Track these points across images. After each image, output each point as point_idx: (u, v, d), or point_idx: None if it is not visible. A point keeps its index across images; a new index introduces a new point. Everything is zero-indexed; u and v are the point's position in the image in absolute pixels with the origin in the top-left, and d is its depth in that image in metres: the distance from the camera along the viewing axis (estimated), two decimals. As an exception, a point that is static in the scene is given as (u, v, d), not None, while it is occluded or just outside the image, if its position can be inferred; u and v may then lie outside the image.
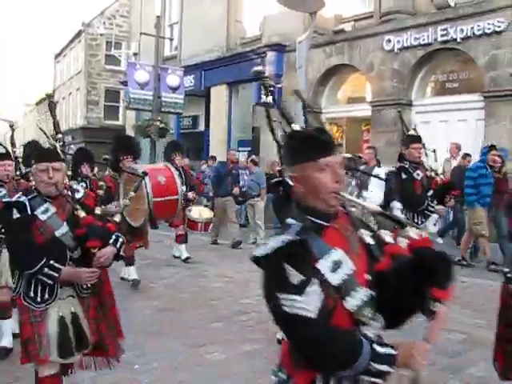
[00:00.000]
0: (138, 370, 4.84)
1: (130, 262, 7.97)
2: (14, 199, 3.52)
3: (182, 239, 10.10)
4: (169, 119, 20.45)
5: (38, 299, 3.39)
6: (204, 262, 10.01)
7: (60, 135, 4.41)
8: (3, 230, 4.78)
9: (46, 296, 3.40)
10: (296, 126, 2.21)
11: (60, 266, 3.34)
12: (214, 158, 16.54)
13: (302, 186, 2.04)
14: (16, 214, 3.39)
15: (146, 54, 21.88)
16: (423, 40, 13.06)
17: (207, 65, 19.46)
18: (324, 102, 16.21)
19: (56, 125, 4.55)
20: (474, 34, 12.10)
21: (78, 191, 4.08)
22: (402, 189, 6.23)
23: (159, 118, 18.31)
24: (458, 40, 12.41)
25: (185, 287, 8.02)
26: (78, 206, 3.52)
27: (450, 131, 12.73)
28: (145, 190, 7.35)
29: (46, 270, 3.30)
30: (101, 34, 29.05)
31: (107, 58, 31.76)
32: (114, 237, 3.60)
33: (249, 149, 18.11)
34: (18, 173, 5.73)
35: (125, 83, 22.81)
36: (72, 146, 34.74)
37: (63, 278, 3.37)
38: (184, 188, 8.88)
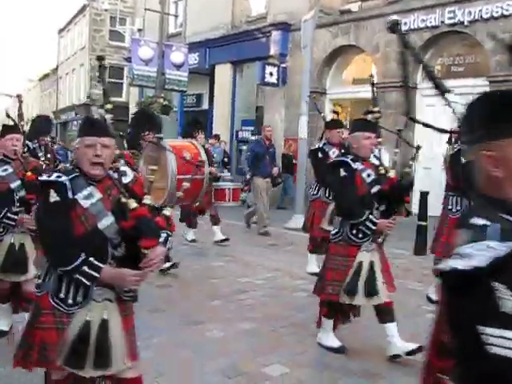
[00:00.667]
0: (138, 346, 4.87)
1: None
2: (52, 178, 2.88)
3: (215, 219, 9.74)
4: (172, 97, 20.37)
5: (70, 301, 2.88)
6: (207, 241, 10.00)
7: (109, 106, 3.63)
8: (27, 215, 4.60)
9: (80, 298, 2.89)
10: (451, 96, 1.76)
11: (101, 265, 2.84)
12: (217, 136, 16.51)
13: (502, 168, 1.50)
14: (54, 197, 2.83)
15: (150, 31, 21.72)
16: (430, 22, 12.94)
17: (212, 42, 19.33)
18: (329, 82, 16.11)
19: (106, 93, 3.80)
20: (481, 17, 11.98)
21: (125, 174, 3.62)
22: None
23: (163, 95, 18.25)
24: (466, 23, 12.29)
25: (186, 265, 8.05)
26: (126, 193, 2.93)
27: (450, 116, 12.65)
28: (169, 167, 6.59)
29: (85, 267, 2.79)
30: (105, 10, 28.77)
31: (111, 34, 31.59)
32: (164, 235, 3.05)
33: (252, 128, 18.09)
34: (25, 149, 5.29)
35: (129, 59, 22.71)
36: (75, 122, 34.82)
37: (103, 279, 2.85)
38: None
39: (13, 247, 4.68)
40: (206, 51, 19.63)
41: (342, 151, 6.07)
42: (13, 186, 4.63)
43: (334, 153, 7.07)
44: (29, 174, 4.52)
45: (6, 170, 4.68)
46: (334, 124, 7.80)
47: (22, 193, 4.63)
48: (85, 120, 3.17)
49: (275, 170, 11.49)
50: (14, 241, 4.69)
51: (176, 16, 22.06)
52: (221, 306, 6.17)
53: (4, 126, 4.93)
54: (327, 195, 7.10)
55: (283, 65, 16.52)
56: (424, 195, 9.75)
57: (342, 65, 16.04)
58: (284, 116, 16.61)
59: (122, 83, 31.37)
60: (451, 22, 12.56)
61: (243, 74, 19.13)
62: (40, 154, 8.84)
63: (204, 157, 7.09)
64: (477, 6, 12.03)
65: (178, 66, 18.32)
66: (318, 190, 7.40)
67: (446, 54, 13.78)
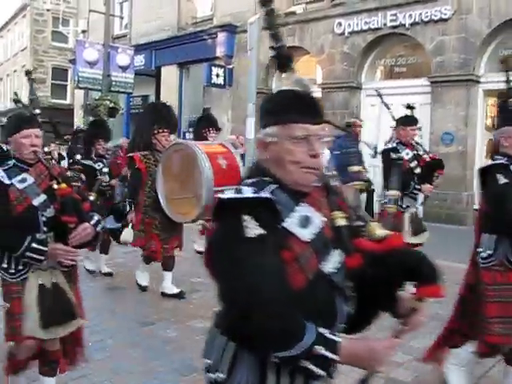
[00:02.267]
0: (92, 347, 4.86)
1: (167, 268, 6.71)
2: None
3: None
4: (118, 98, 20.18)
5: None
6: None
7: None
8: None
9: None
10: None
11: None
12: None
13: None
14: None
15: (94, 32, 21.47)
16: (373, 24, 13.28)
17: (158, 44, 19.26)
18: (274, 83, 16.28)
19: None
20: (421, 20, 12.39)
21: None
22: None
23: (109, 98, 18.05)
24: (407, 26, 12.69)
25: (137, 266, 8.02)
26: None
27: (397, 114, 12.97)
28: (204, 175, 5.28)
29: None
30: (47, 10, 28.27)
31: (54, 35, 31.01)
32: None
33: (200, 129, 18.10)
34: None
35: (73, 61, 22.36)
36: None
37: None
38: None
39: (46, 291, 3.35)
40: (152, 53, 19.55)
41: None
42: (36, 202, 3.32)
43: (407, 154, 6.19)
44: (62, 185, 3.31)
45: (23, 180, 3.32)
46: (408, 121, 6.56)
47: (50, 211, 3.35)
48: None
49: None
50: (44, 281, 3.36)
51: (121, 17, 21.85)
52: (173, 307, 6.21)
53: (17, 116, 3.64)
54: (400, 203, 6.14)
55: (229, 66, 16.63)
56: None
57: (287, 66, 16.22)
58: (231, 117, 16.72)
59: (65, 85, 30.85)
60: (393, 24, 12.93)
61: (190, 75, 19.13)
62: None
63: (240, 163, 5.84)
64: (417, 10, 12.44)
65: (124, 68, 18.18)
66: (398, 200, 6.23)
67: (388, 55, 14.17)
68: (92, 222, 3.36)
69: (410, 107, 7.10)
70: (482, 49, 11.90)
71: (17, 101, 4.94)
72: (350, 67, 13.91)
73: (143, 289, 6.79)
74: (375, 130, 12.53)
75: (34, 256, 3.22)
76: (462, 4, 11.86)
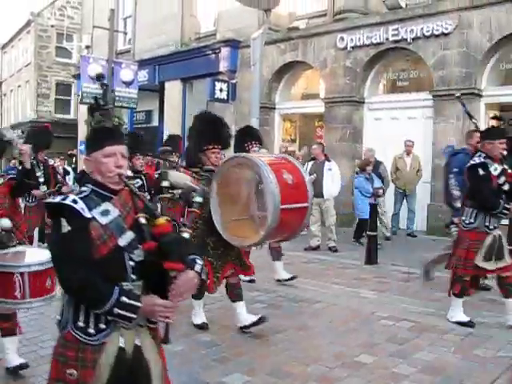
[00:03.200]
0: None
1: (237, 298, 5.80)
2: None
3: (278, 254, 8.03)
4: (122, 114, 20.30)
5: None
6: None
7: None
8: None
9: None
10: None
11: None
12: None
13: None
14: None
15: (98, 48, 21.63)
16: (375, 39, 13.38)
17: (161, 59, 19.39)
18: (278, 97, 16.39)
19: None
20: (423, 34, 12.48)
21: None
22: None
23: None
24: (409, 40, 12.77)
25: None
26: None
27: (400, 128, 13.07)
28: (270, 195, 4.72)
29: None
30: (51, 26, 28.53)
31: (58, 51, 31.25)
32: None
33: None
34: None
35: (77, 76, 22.52)
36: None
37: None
38: None
39: (125, 358, 2.52)
40: (155, 68, 19.67)
41: None
42: (122, 242, 2.53)
43: (495, 169, 5.71)
44: (161, 221, 2.56)
45: (106, 212, 2.54)
46: (496, 134, 5.92)
47: (139, 254, 2.56)
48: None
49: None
50: (126, 343, 2.53)
51: (125, 33, 22.01)
52: (178, 321, 6.21)
53: (100, 130, 2.78)
54: (487, 223, 5.75)
55: (233, 81, 16.71)
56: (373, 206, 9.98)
57: (290, 80, 16.35)
58: (234, 131, 16.75)
59: (69, 100, 31.04)
60: (395, 38, 13.01)
61: (193, 90, 19.23)
62: (38, 174, 8.40)
63: (307, 177, 5.34)
64: (418, 25, 12.54)
65: (128, 83, 18.27)
66: (476, 218, 5.77)
67: (391, 70, 14.26)
68: (196, 269, 2.61)
69: (497, 118, 6.73)
70: (483, 63, 11.98)
71: (97, 106, 3.08)
72: (352, 81, 13.99)
73: (201, 327, 5.94)
74: (380, 145, 12.57)
75: (124, 314, 2.41)
76: (463, 19, 11.95)
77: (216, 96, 16.45)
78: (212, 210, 5.19)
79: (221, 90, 16.49)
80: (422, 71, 13.37)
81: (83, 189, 2.63)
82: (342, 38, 14.02)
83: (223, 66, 16.92)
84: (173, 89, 19.24)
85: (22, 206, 7.68)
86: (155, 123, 21.11)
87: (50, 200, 2.66)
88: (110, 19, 18.26)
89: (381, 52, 13.53)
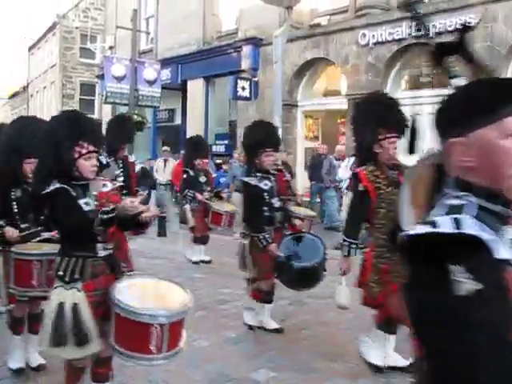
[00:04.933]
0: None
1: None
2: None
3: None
4: (145, 112, 20.49)
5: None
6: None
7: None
8: None
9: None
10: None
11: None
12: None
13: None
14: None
15: (121, 48, 21.84)
16: (397, 35, 13.32)
17: (184, 58, 19.52)
18: (300, 95, 16.40)
19: None
20: (446, 29, 12.38)
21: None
22: None
23: (136, 112, 18.35)
24: (431, 35, 12.68)
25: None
26: None
27: (422, 124, 12.97)
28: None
29: None
30: (76, 27, 28.86)
31: (82, 52, 31.59)
32: None
33: (226, 142, 18.28)
34: None
35: (100, 77, 22.78)
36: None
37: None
38: None
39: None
40: (177, 67, 19.81)
41: None
42: None
43: None
44: None
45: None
46: None
47: None
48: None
49: None
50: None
51: (148, 33, 22.21)
52: (204, 317, 6.28)
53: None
54: None
55: (255, 79, 16.76)
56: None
57: (312, 77, 16.34)
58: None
59: (93, 100, 31.35)
60: (417, 34, 12.89)
61: (215, 88, 19.33)
62: (117, 172, 6.82)
63: None
64: (441, 19, 12.42)
65: (151, 83, 18.48)
66: None
67: (413, 65, 14.17)
68: None
69: None
70: (508, 57, 11.85)
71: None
72: (375, 78, 13.95)
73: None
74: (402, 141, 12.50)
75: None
76: (487, 12, 11.84)
77: (238, 94, 16.52)
78: (402, 220, 4.36)
79: (243, 88, 16.54)
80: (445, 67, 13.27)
81: (453, 202, 1.39)
82: (364, 35, 13.98)
83: (245, 63, 16.98)
84: (195, 87, 19.35)
85: None
86: (178, 122, 21.27)
87: (415, 231, 1.29)
88: (133, 19, 18.47)
89: (403, 48, 13.46)
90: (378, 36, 13.67)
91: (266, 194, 5.48)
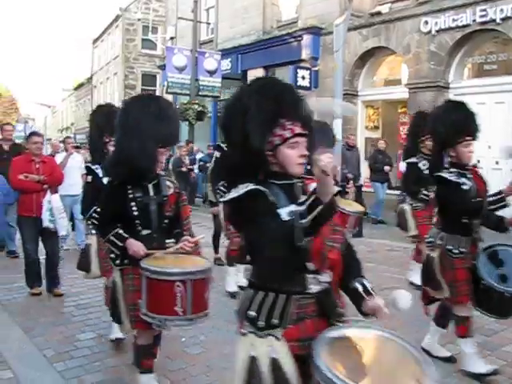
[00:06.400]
0: (186, 343, 5.14)
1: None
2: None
3: None
4: (206, 102, 20.71)
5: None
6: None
7: None
8: None
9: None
10: None
11: None
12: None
13: None
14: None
15: (182, 38, 22.15)
16: (461, 21, 12.99)
17: (244, 48, 19.61)
18: (360, 84, 16.25)
19: None
20: (514, 14, 11.99)
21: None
22: None
23: (197, 101, 18.59)
24: (498, 21, 12.31)
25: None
26: None
27: (487, 113, 12.69)
28: None
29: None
30: (138, 19, 29.40)
31: (144, 43, 32.18)
32: None
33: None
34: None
35: (161, 67, 23.14)
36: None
37: None
38: None
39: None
40: (238, 57, 19.91)
41: None
42: None
43: None
44: None
45: None
46: None
47: None
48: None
49: None
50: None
51: (208, 23, 22.41)
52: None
53: None
54: None
55: (315, 68, 16.69)
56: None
57: (373, 66, 16.16)
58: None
59: (154, 90, 31.92)
60: (482, 20, 12.58)
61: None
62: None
63: None
64: (509, 3, 12.03)
65: (211, 73, 18.67)
66: None
67: (477, 53, 13.80)
68: None
69: None
70: None
71: None
72: (437, 66, 13.67)
73: None
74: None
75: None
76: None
77: (298, 84, 16.47)
78: None
79: (303, 78, 16.50)
80: (511, 53, 12.87)
81: None
82: (426, 22, 13.70)
83: (305, 53, 16.93)
84: (255, 77, 19.38)
85: None
86: (238, 112, 21.36)
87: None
88: (194, 10, 18.70)
89: (467, 35, 13.12)
90: (441, 23, 13.37)
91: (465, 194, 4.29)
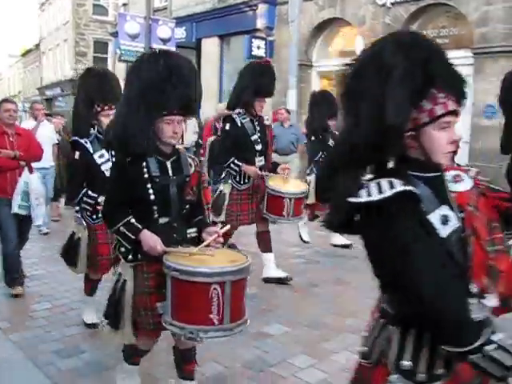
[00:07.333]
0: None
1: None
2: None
3: None
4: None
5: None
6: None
7: None
8: None
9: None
10: None
11: None
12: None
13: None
14: None
15: (135, 5, 21.71)
16: (415, -5, 13.12)
17: (198, 16, 19.33)
18: (315, 55, 16.26)
19: None
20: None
21: None
22: None
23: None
24: (451, -5, 12.49)
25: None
26: None
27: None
28: None
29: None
30: (88, -17, 28.63)
31: (95, 8, 31.36)
32: None
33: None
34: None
35: (114, 34, 22.64)
36: (60, 98, 34.62)
37: None
38: None
39: None
40: (192, 25, 19.64)
41: None
42: None
43: None
44: None
45: None
46: None
47: None
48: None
49: None
50: None
51: (162, -10, 21.98)
52: (275, 306, 5.70)
53: None
54: None
55: (270, 38, 16.62)
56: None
57: (328, 37, 16.18)
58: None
59: (106, 58, 31.24)
60: (436, -7, 12.72)
61: (230, 47, 19.19)
62: (254, 138, 6.30)
63: None
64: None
65: (165, 41, 18.33)
66: None
67: (431, 26, 13.96)
68: None
69: None
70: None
71: None
72: (391, 38, 13.78)
73: None
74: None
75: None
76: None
77: (253, 53, 16.39)
78: None
79: (258, 48, 16.42)
80: (462, 28, 13.09)
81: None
82: (382, -6, 13.78)
83: (261, 22, 16.81)
84: (210, 46, 19.23)
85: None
86: (192, 80, 21.18)
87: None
88: (147, -24, 18.24)
89: (421, 8, 13.26)
90: (396, -4, 13.47)
91: None
